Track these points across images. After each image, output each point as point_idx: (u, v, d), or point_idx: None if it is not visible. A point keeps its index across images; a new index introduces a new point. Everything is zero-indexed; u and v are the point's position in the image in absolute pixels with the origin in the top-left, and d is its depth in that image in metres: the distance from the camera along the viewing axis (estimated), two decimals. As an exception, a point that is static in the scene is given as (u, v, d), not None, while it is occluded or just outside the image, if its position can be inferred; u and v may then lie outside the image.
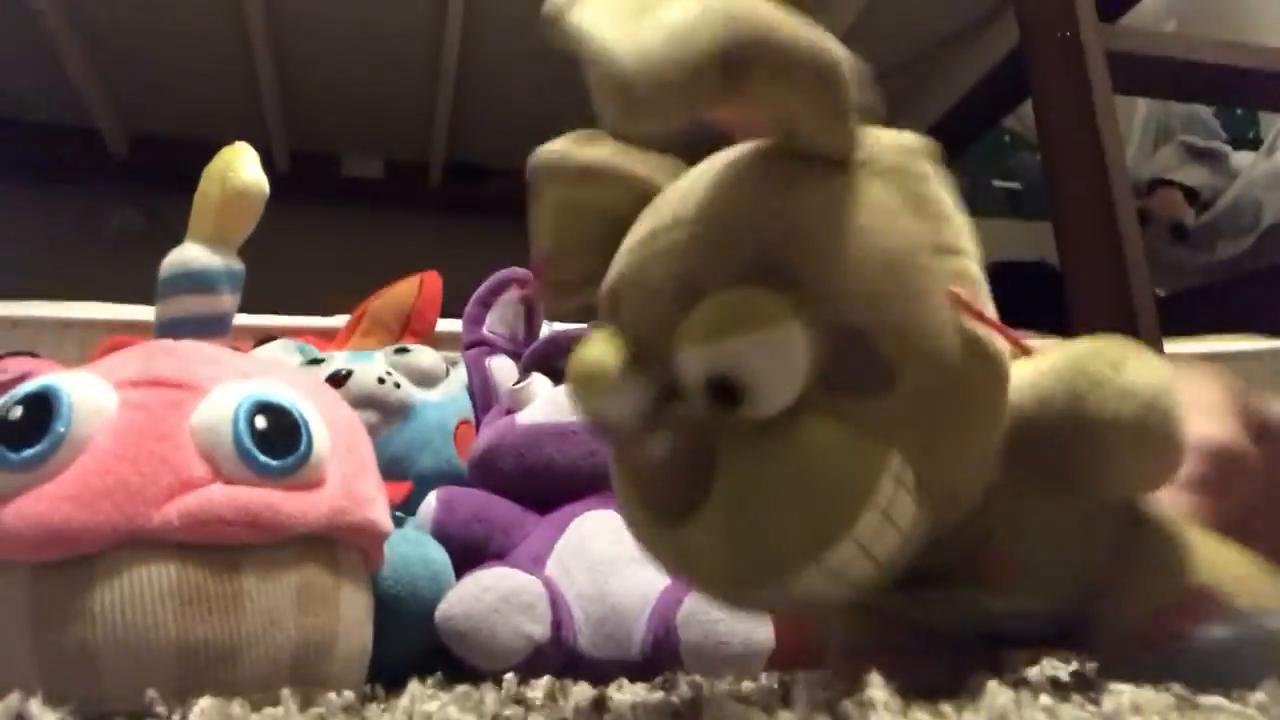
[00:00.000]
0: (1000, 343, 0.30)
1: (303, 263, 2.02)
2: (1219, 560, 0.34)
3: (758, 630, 0.53)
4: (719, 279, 0.28)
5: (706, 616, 0.53)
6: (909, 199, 0.30)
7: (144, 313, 0.97)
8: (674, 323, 0.28)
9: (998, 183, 2.61)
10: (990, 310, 0.30)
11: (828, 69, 0.26)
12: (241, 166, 0.52)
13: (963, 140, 2.15)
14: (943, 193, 0.31)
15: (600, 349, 0.30)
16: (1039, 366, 0.33)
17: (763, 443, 0.27)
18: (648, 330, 0.30)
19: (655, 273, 0.30)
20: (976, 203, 2.63)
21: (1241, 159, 1.81)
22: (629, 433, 0.30)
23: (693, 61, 0.23)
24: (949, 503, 0.30)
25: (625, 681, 0.42)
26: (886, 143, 0.31)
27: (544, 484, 0.65)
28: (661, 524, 0.30)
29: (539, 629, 0.54)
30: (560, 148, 0.37)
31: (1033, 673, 0.39)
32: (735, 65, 0.24)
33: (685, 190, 0.31)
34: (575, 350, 0.30)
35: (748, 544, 0.28)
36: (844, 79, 0.27)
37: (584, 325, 0.84)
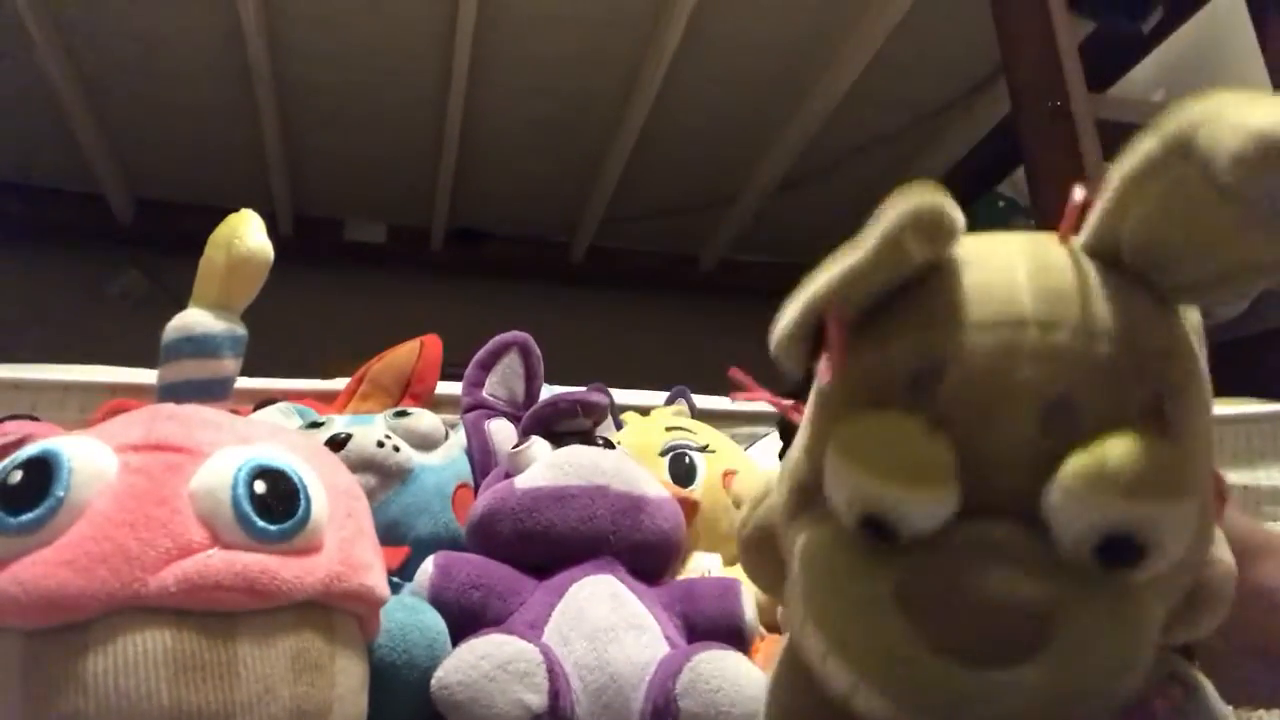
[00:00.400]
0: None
1: (305, 325, 2.03)
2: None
3: (759, 699, 0.52)
4: (1109, 418, 0.26)
5: (707, 686, 0.52)
6: None
7: (146, 376, 0.97)
8: (1036, 447, 0.26)
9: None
10: None
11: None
12: (247, 233, 0.53)
13: (958, 205, 2.19)
14: None
15: (925, 440, 0.27)
16: None
17: (1110, 603, 0.26)
18: (992, 438, 0.27)
19: (1018, 379, 0.27)
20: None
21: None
22: (934, 560, 0.27)
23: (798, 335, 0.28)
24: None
25: (624, 753, 0.42)
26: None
27: (542, 549, 0.64)
28: (972, 665, 0.26)
29: (537, 698, 0.53)
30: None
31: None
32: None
33: (1045, 285, 0.28)
34: (869, 426, 0.27)
35: (1078, 687, 0.26)
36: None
37: (579, 389, 0.82)
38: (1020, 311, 0.28)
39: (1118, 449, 0.25)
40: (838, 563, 0.29)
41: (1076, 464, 0.25)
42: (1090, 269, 0.29)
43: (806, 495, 0.33)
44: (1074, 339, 0.27)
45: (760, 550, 0.41)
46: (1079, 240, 0.30)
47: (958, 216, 0.28)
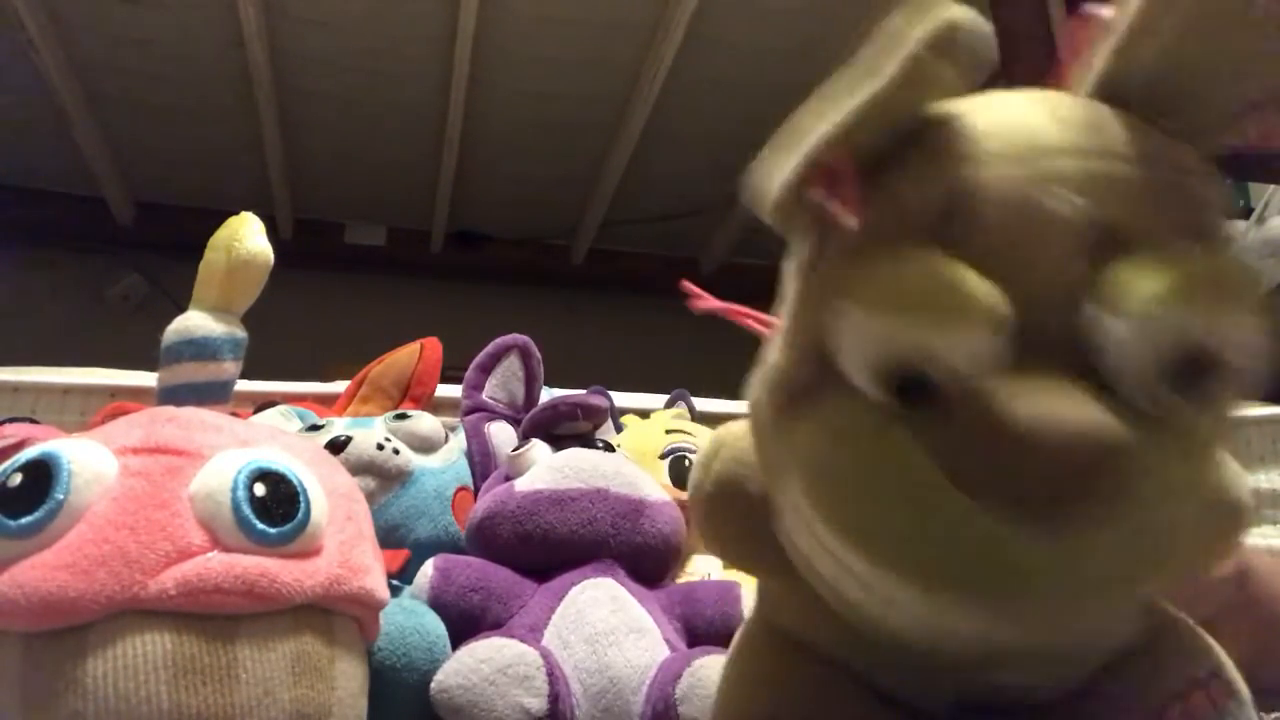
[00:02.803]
0: None
1: (305, 329, 2.03)
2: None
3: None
4: (1155, 237, 0.23)
5: (706, 691, 0.52)
6: None
7: (146, 378, 0.97)
8: (1082, 275, 0.23)
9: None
10: None
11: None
12: (247, 236, 0.53)
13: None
14: None
15: (953, 273, 0.24)
16: None
17: (1187, 449, 0.23)
18: (1036, 275, 0.24)
19: (1059, 209, 0.24)
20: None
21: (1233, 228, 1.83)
22: (983, 418, 0.23)
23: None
24: None
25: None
26: None
27: (542, 552, 0.64)
28: (1027, 522, 0.23)
29: (536, 702, 0.53)
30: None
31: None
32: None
33: (1067, 117, 0.26)
34: (897, 267, 0.24)
35: (1165, 553, 0.24)
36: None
37: (579, 392, 0.82)
38: (1049, 141, 0.26)
39: (1186, 263, 0.23)
40: (863, 442, 0.25)
41: (1147, 283, 0.22)
42: (1103, 107, 0.27)
43: (795, 394, 0.29)
44: (1110, 164, 0.25)
45: (727, 506, 0.37)
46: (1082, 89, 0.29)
47: (987, 32, 0.25)
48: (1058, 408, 0.22)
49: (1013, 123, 0.27)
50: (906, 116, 0.27)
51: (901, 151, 0.27)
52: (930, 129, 0.27)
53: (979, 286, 0.23)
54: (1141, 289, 0.22)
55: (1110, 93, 0.27)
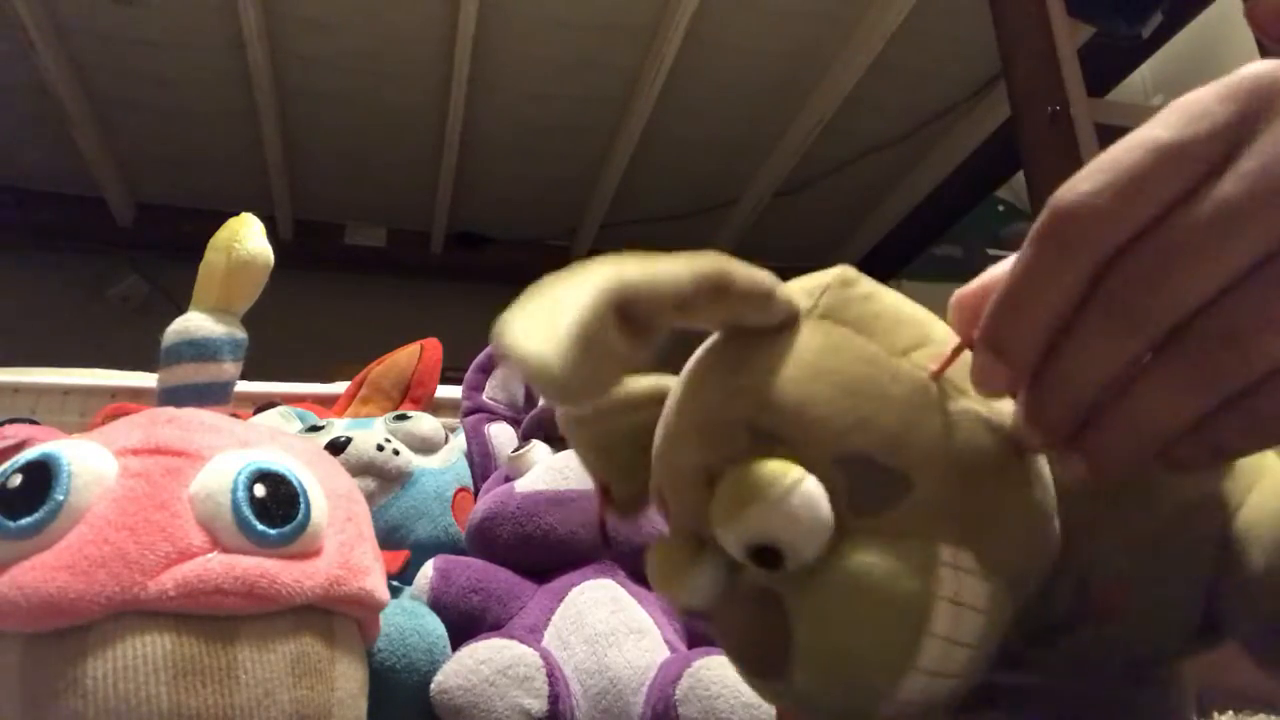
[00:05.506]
0: (1004, 407, 0.30)
1: (305, 330, 2.03)
2: None
3: (759, 707, 0.52)
4: (727, 460, 0.31)
5: (706, 692, 0.52)
6: (856, 324, 0.32)
7: (146, 379, 0.97)
8: (708, 507, 0.31)
9: (992, 251, 2.65)
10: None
11: (716, 277, 0.29)
12: (247, 237, 0.53)
13: (957, 210, 2.19)
14: (887, 302, 0.33)
15: (666, 546, 0.33)
16: None
17: (820, 584, 0.29)
18: (692, 519, 0.32)
19: (679, 466, 0.33)
20: (973, 271, 2.65)
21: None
22: (715, 609, 0.32)
23: (597, 349, 0.26)
24: (1026, 562, 0.31)
25: (624, 757, 0.42)
26: (819, 283, 0.33)
27: (542, 552, 0.64)
28: (765, 679, 0.31)
29: (536, 703, 0.53)
30: (576, 411, 0.39)
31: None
32: (638, 329, 0.28)
33: (677, 391, 0.35)
34: (649, 552, 0.33)
35: (844, 678, 0.29)
36: (735, 276, 0.29)
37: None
38: (664, 427, 0.34)
39: (722, 485, 0.30)
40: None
41: (714, 507, 0.30)
42: (705, 360, 0.34)
43: None
44: (687, 423, 0.33)
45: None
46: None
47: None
48: (737, 617, 0.32)
49: (664, 413, 0.35)
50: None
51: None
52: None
53: (681, 556, 0.32)
54: (710, 514, 0.30)
55: None
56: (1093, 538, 0.33)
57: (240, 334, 0.54)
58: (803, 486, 0.29)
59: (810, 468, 0.29)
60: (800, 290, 0.33)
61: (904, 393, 0.30)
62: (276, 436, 0.50)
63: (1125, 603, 0.34)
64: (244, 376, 0.56)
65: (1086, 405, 0.27)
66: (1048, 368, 0.27)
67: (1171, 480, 0.34)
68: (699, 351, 0.34)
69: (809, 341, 0.31)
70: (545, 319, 0.27)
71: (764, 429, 0.31)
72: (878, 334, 0.31)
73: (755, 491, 0.29)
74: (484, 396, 0.86)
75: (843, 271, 0.33)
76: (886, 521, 0.29)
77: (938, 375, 0.30)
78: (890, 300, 0.33)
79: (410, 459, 0.77)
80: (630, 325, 0.27)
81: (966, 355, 0.30)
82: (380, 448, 0.75)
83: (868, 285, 0.33)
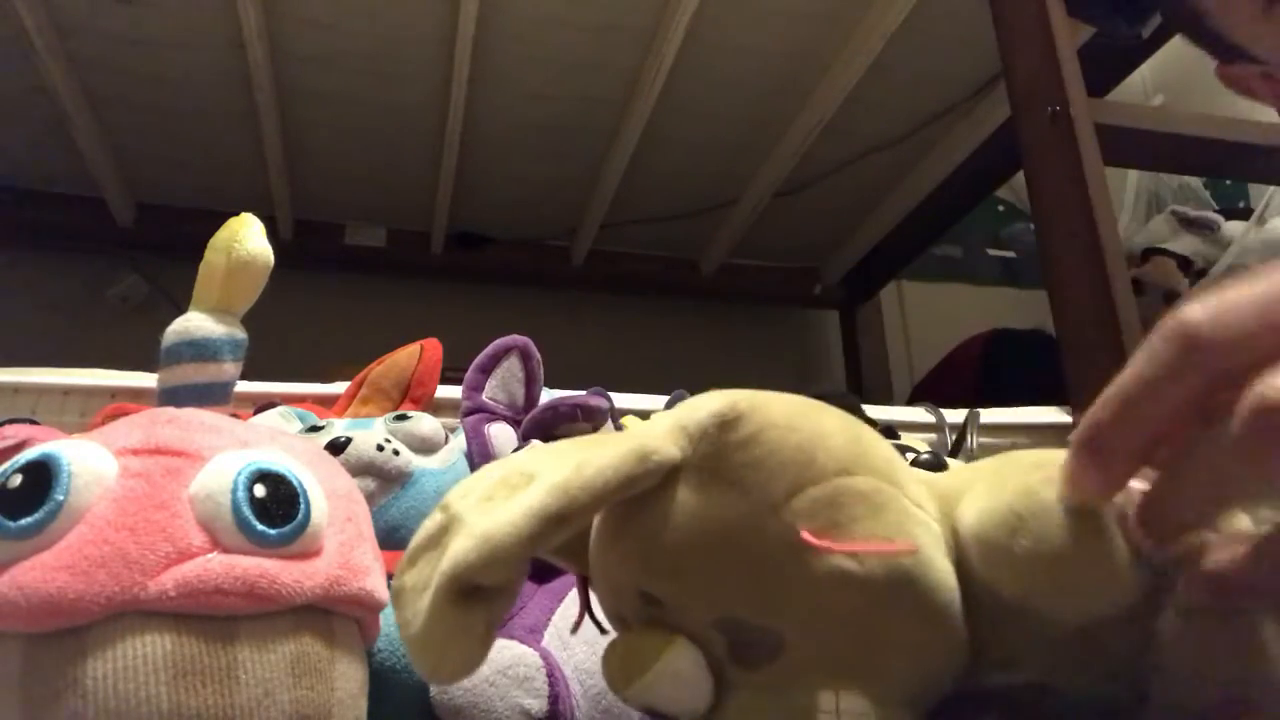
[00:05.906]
0: (879, 548, 0.30)
1: (305, 329, 2.03)
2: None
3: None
4: (631, 615, 0.34)
5: (707, 689, 0.52)
6: (730, 476, 0.31)
7: (146, 379, 0.97)
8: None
9: (993, 252, 2.65)
10: (862, 523, 0.31)
11: (557, 514, 0.30)
12: (247, 237, 0.53)
13: (957, 210, 2.19)
14: (767, 446, 0.32)
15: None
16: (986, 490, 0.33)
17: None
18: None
19: (606, 609, 0.38)
20: (973, 271, 2.65)
21: (1233, 228, 1.83)
22: None
23: (455, 645, 0.30)
24: (922, 683, 0.31)
25: (624, 757, 0.42)
26: (699, 424, 0.32)
27: (542, 553, 0.64)
28: None
29: (536, 703, 0.53)
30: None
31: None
32: (492, 594, 0.31)
33: (592, 538, 0.37)
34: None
35: None
36: (575, 499, 0.30)
37: (579, 393, 0.83)
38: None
39: (607, 655, 0.36)
40: None
41: None
42: (603, 524, 0.38)
43: None
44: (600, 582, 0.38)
45: None
46: None
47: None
48: None
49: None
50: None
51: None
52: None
53: None
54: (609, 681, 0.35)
55: None
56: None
57: (240, 334, 0.54)
58: (674, 665, 0.31)
59: (690, 631, 0.31)
60: (680, 430, 0.32)
61: (772, 553, 0.30)
62: (276, 436, 0.50)
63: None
64: (244, 376, 0.56)
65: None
66: (1177, 474, 0.26)
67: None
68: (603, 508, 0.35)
69: (684, 503, 0.32)
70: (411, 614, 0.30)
71: (648, 594, 0.32)
72: (752, 489, 0.31)
73: (636, 668, 0.32)
74: (484, 397, 0.86)
75: (726, 408, 0.33)
76: (766, 675, 0.31)
77: (810, 545, 0.30)
78: (771, 439, 0.32)
79: (410, 459, 0.77)
80: (482, 593, 0.29)
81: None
82: (380, 448, 0.75)
83: (748, 426, 0.32)
